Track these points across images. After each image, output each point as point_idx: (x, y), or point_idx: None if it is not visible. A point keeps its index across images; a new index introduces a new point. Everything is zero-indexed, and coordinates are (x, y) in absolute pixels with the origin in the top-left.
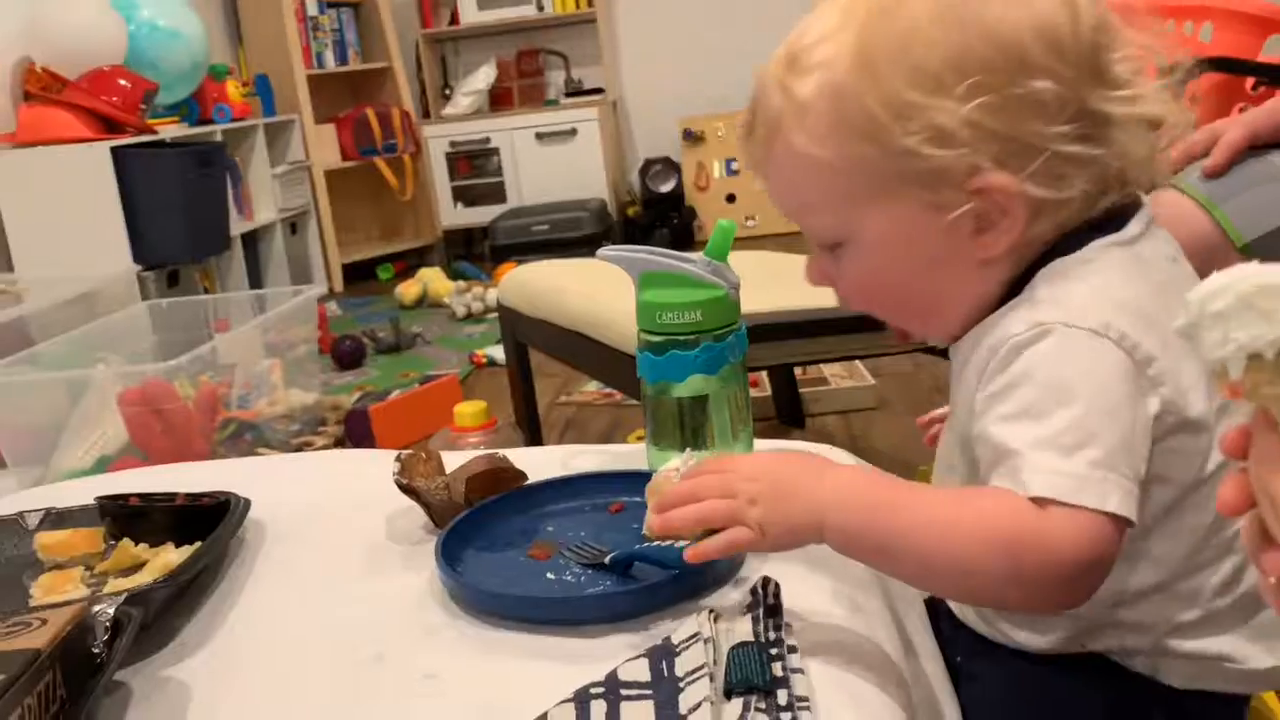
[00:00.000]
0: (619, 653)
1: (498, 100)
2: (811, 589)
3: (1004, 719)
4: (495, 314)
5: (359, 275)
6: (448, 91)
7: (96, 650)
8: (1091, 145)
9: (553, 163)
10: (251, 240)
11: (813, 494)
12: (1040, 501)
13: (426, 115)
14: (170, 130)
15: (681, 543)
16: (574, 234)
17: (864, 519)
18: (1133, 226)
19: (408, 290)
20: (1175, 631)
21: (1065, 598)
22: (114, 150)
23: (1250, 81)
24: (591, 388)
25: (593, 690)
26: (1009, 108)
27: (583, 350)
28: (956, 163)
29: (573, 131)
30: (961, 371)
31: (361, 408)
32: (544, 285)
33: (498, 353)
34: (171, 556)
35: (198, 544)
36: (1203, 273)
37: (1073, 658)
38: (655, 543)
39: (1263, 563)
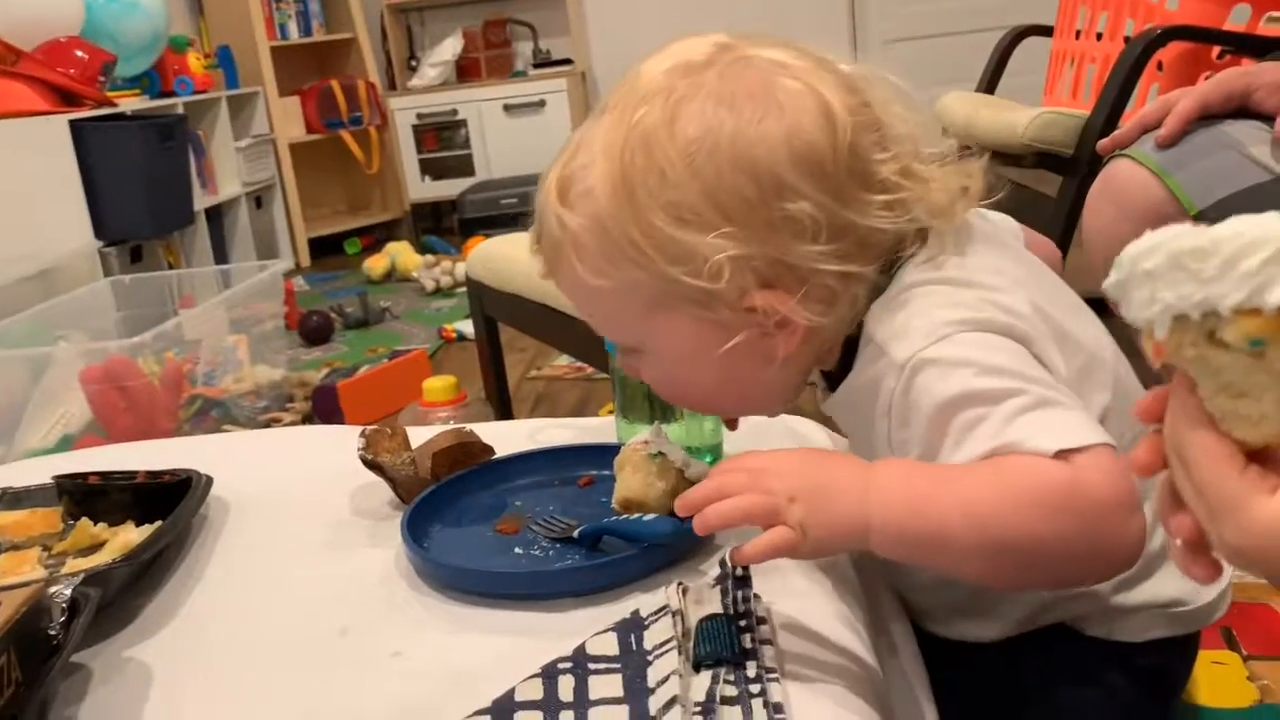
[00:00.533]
0: (587, 627)
1: (465, 72)
2: (775, 566)
3: (974, 704)
4: (464, 288)
5: (326, 250)
6: (414, 63)
7: (53, 632)
8: (857, 263)
9: (521, 135)
10: (216, 215)
11: (856, 491)
12: (1060, 455)
13: (393, 87)
14: (130, 103)
15: (650, 516)
16: None
17: (911, 510)
18: (931, 246)
19: (375, 265)
20: (1121, 587)
21: (1130, 540)
22: (72, 124)
23: (1216, 50)
24: (562, 362)
25: (560, 665)
26: (767, 234)
27: (552, 324)
28: (723, 288)
29: (541, 103)
30: (854, 423)
31: (329, 384)
32: (512, 259)
33: (467, 327)
34: (132, 535)
35: (159, 523)
36: None
37: (1026, 637)
38: (624, 516)
39: (1171, 525)
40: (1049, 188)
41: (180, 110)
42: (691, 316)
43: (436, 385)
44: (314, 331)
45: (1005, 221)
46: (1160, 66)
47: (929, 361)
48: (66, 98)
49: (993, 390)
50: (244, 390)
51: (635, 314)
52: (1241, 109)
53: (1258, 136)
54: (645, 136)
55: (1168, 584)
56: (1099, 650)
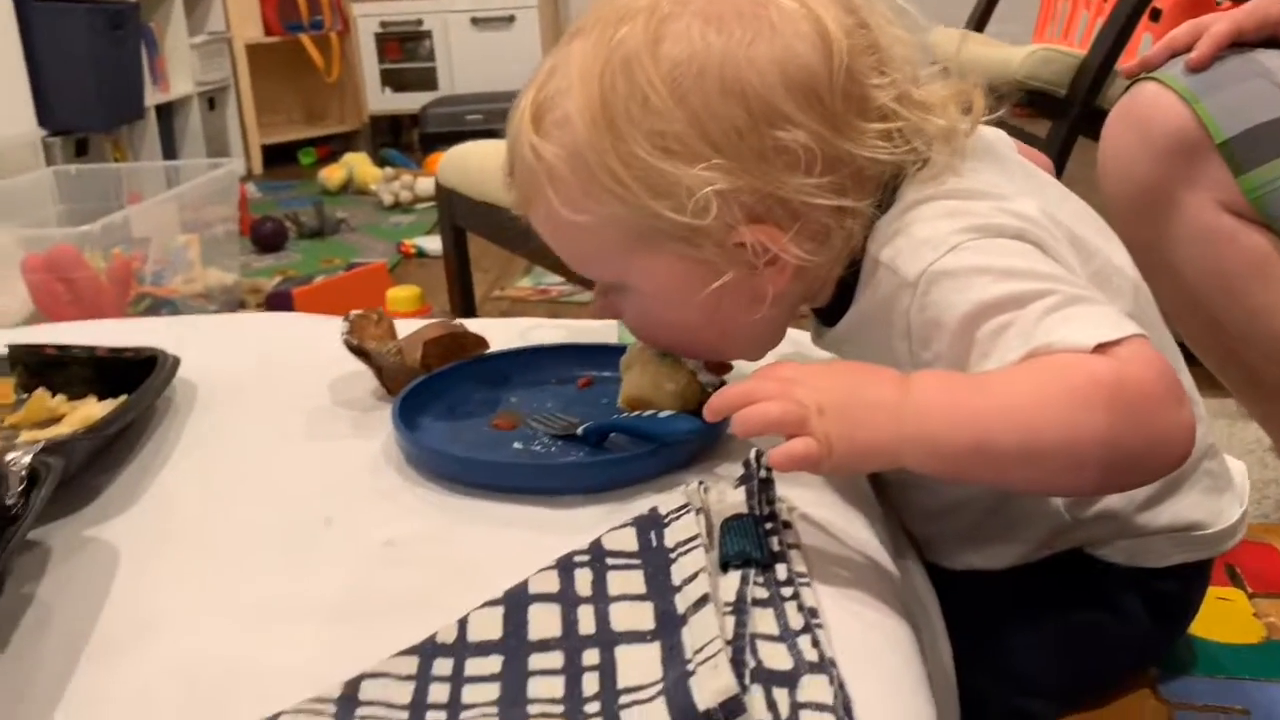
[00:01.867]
0: (597, 525)
1: None
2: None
3: (983, 632)
4: (424, 204)
5: (279, 158)
6: None
7: (10, 502)
8: (852, 197)
9: (488, 50)
10: (167, 114)
11: (890, 408)
12: (1099, 350)
13: None
14: None
15: (666, 413)
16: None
17: (951, 421)
18: (932, 164)
19: (332, 175)
20: (1145, 506)
21: (1183, 430)
22: (17, 3)
23: None
24: (526, 283)
25: (577, 558)
26: (758, 166)
27: (530, 236)
28: (710, 224)
29: (510, 19)
30: (863, 353)
31: (284, 290)
32: (489, 165)
33: (427, 243)
34: (94, 409)
35: (123, 397)
36: (1181, 167)
37: (1038, 563)
38: (633, 414)
39: None
40: (1038, 130)
41: None
42: (675, 254)
43: (401, 295)
44: (267, 238)
45: (998, 134)
46: (1155, 16)
47: (944, 274)
48: None
49: (1015, 294)
50: (194, 291)
51: (615, 251)
52: (1272, 38)
53: None
54: (626, 59)
55: (1191, 506)
56: (1117, 575)
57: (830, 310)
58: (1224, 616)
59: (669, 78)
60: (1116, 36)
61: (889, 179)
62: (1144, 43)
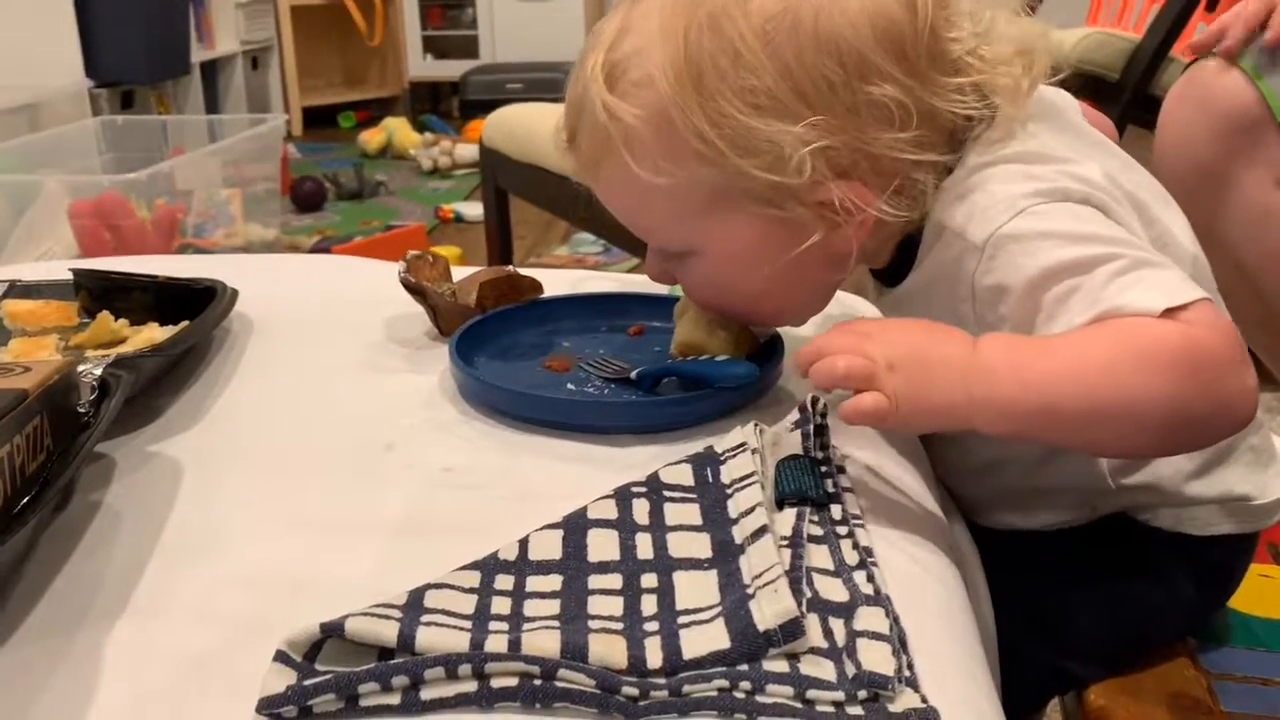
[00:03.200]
0: (652, 463)
1: None
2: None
3: (1026, 592)
4: (463, 170)
5: (319, 121)
6: None
7: (82, 410)
8: (934, 151)
9: (531, 19)
10: (211, 71)
11: (959, 368)
12: (1167, 314)
13: None
14: None
15: (722, 356)
16: (550, 95)
17: (1020, 382)
18: (997, 126)
19: (372, 138)
20: (1192, 477)
21: (1247, 394)
22: None
23: None
24: (562, 252)
25: (634, 489)
26: (849, 121)
27: (577, 198)
28: (800, 181)
29: None
30: (928, 314)
31: (324, 247)
32: (535, 126)
33: (465, 209)
34: (156, 334)
35: (185, 324)
36: (1241, 145)
37: (1084, 527)
38: (684, 359)
39: None
40: None
41: None
42: (755, 214)
43: (442, 254)
44: (306, 198)
45: (1064, 97)
46: (1211, 5)
47: (1011, 238)
48: None
49: (1082, 258)
50: (235, 245)
51: (690, 214)
52: None
53: None
54: (713, 14)
55: (1236, 479)
56: (1162, 542)
57: (889, 272)
58: (1266, 593)
59: (761, 31)
60: (1173, 23)
61: (960, 136)
62: (1198, 32)
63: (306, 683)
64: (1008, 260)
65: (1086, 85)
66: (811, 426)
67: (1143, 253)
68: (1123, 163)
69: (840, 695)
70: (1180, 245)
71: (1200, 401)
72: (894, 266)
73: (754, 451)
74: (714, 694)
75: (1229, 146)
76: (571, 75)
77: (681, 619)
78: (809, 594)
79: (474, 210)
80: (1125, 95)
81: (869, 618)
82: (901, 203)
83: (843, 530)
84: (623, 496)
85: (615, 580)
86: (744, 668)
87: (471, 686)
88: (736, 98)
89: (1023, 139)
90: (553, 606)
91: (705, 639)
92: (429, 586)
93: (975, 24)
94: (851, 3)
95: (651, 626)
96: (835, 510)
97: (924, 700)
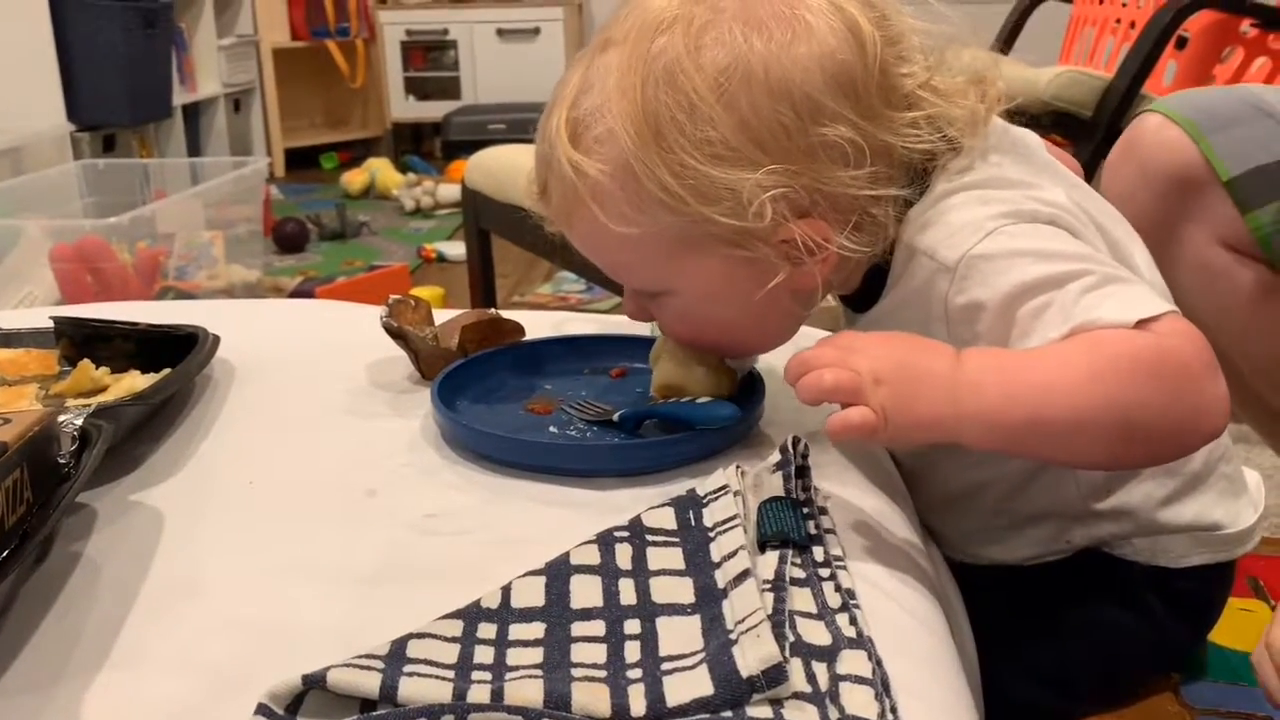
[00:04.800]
0: (635, 506)
1: None
2: (829, 469)
3: (1006, 627)
4: (445, 210)
5: (301, 162)
6: None
7: (62, 461)
8: (892, 186)
9: (513, 61)
10: (193, 114)
11: (945, 380)
12: (1140, 325)
13: (383, 1)
14: None
15: (704, 399)
16: (532, 136)
17: (1005, 394)
18: (962, 156)
19: (354, 179)
20: (1165, 504)
21: (1220, 402)
22: None
23: (1244, 23)
24: (545, 290)
25: (617, 534)
26: (806, 163)
27: (559, 239)
28: (762, 225)
29: (536, 30)
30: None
31: (307, 289)
32: (517, 167)
33: (447, 248)
34: (137, 382)
35: (166, 371)
36: (1183, 203)
37: (1060, 562)
38: (664, 401)
39: None
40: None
41: None
42: (722, 256)
43: (424, 295)
44: (289, 239)
45: (1030, 135)
46: (1180, 44)
47: (982, 258)
48: None
49: (1054, 274)
50: (217, 287)
51: (661, 259)
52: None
53: None
54: (668, 69)
55: (1208, 506)
56: (1138, 574)
57: (858, 298)
58: (1246, 627)
59: (715, 84)
60: (1143, 61)
61: (920, 167)
62: (1169, 70)
63: None
64: (980, 279)
65: (1060, 122)
66: (793, 468)
67: (1111, 269)
68: (1085, 193)
69: None
70: (1141, 273)
71: (1178, 408)
72: (863, 293)
73: (736, 494)
74: None
75: (1171, 203)
76: (538, 132)
77: (665, 665)
78: (792, 638)
79: (457, 250)
80: (1099, 132)
81: (852, 661)
82: (862, 238)
83: (825, 572)
84: (605, 541)
85: (598, 627)
86: (728, 715)
87: None
88: (695, 149)
89: (987, 168)
90: (536, 655)
91: (689, 685)
92: (411, 636)
93: (926, 57)
94: (800, 48)
95: (635, 674)
96: (817, 552)
97: None
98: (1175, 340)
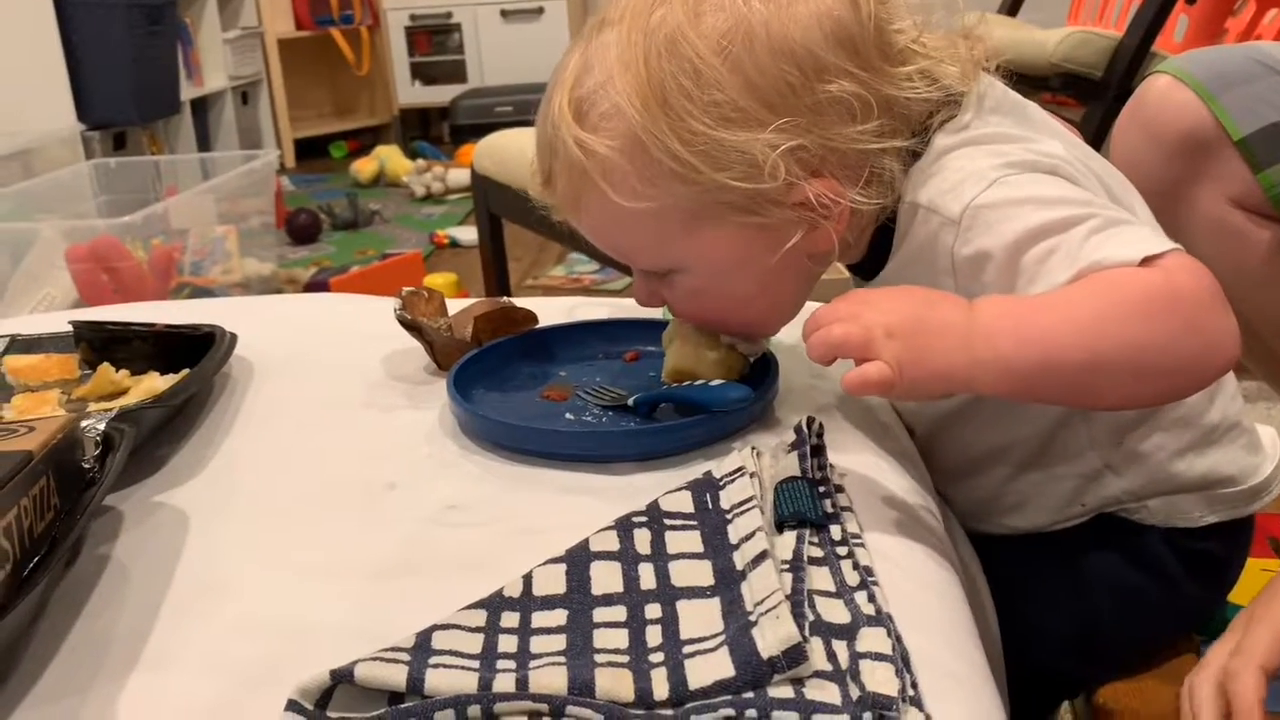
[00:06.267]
0: (652, 490)
1: None
2: (845, 445)
3: (1026, 595)
4: (456, 195)
5: (310, 152)
6: None
7: (87, 465)
8: (898, 138)
9: (518, 43)
10: (201, 108)
11: (959, 329)
12: (1147, 262)
13: None
14: None
15: (717, 381)
16: None
17: (1020, 339)
18: (961, 114)
19: (364, 167)
20: (1178, 456)
21: (1231, 333)
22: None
23: None
24: (559, 272)
25: (635, 519)
26: (813, 120)
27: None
28: (776, 186)
29: (540, 11)
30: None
31: (322, 279)
32: (525, 151)
33: (460, 233)
34: (157, 383)
35: (185, 371)
36: (1193, 164)
37: (1077, 527)
38: (678, 385)
39: None
40: (1073, 115)
41: None
42: (737, 225)
43: (438, 282)
44: (301, 230)
45: (1029, 103)
46: None
47: (985, 207)
48: None
49: (1057, 220)
50: (233, 282)
51: (674, 234)
52: None
53: None
54: (670, 38)
55: (1221, 460)
56: (1156, 537)
57: (865, 266)
58: None
59: (718, 47)
60: (1154, 17)
61: (921, 123)
62: (1179, 24)
63: None
64: (985, 229)
65: (1070, 84)
66: (808, 447)
67: (1114, 212)
68: (1084, 150)
69: (846, 718)
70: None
71: (1190, 341)
72: (870, 259)
73: (752, 475)
74: None
75: (1182, 165)
76: (539, 118)
77: (686, 649)
78: (811, 617)
79: (469, 234)
80: (1110, 92)
81: (871, 638)
82: (873, 191)
83: (842, 551)
84: (624, 527)
85: (620, 612)
86: (749, 695)
87: None
88: (704, 114)
89: (985, 125)
90: (559, 642)
91: (710, 668)
92: (436, 627)
93: (914, 16)
94: (797, 8)
95: (657, 657)
96: (835, 531)
97: (929, 718)
98: (1183, 275)
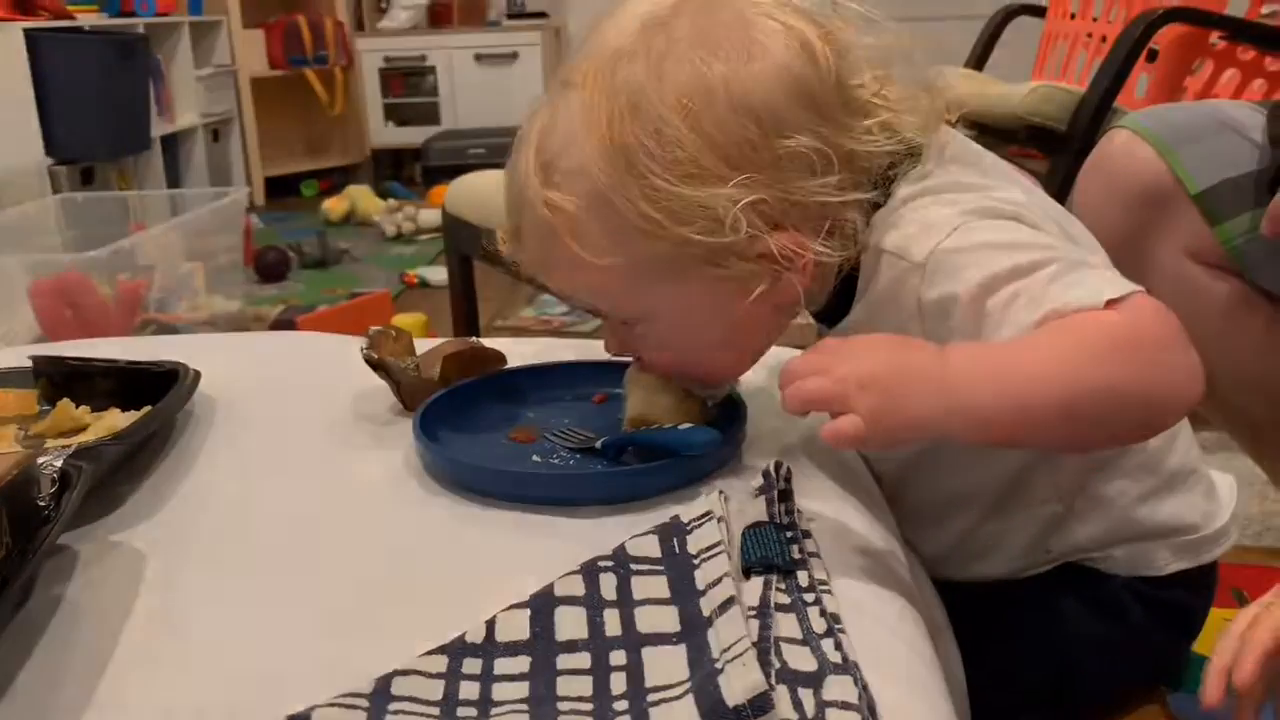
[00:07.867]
0: (619, 535)
1: (437, 17)
2: (811, 490)
3: (991, 643)
4: (427, 235)
5: (281, 190)
6: (384, 4)
7: (42, 503)
8: (859, 191)
9: (491, 86)
10: (172, 144)
11: (934, 378)
12: (1110, 304)
13: (361, 28)
14: (88, 18)
15: (685, 425)
16: None
17: (997, 388)
18: (922, 165)
19: (335, 206)
20: (1140, 502)
21: (1195, 373)
22: (27, 32)
23: (1213, 35)
24: (528, 313)
25: (601, 564)
26: (774, 175)
27: None
28: (738, 239)
29: (514, 55)
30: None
31: (289, 317)
32: (497, 192)
33: (430, 273)
34: (118, 420)
35: (146, 409)
36: (1152, 217)
37: (1043, 576)
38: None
39: None
40: (1038, 168)
41: (140, 30)
42: (703, 277)
43: (407, 322)
44: (270, 268)
45: (987, 152)
46: (1151, 56)
47: (950, 251)
48: (21, 4)
49: (1020, 265)
50: (199, 319)
51: (642, 287)
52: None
53: (1255, 121)
54: (631, 99)
55: (1181, 506)
56: (1120, 586)
57: (829, 313)
58: None
59: (679, 106)
60: (1115, 75)
61: (883, 175)
62: (1140, 81)
63: None
64: (950, 273)
65: (1035, 136)
66: (775, 492)
67: (1076, 256)
68: (1041, 196)
69: None
70: None
71: (1160, 380)
72: (835, 306)
73: (719, 520)
74: None
75: (1141, 219)
76: (506, 177)
77: (650, 696)
78: (777, 665)
79: (439, 275)
80: (1074, 145)
81: (838, 687)
82: (836, 243)
83: (809, 597)
84: (590, 572)
85: (584, 659)
86: None
87: None
88: (666, 172)
89: (946, 174)
90: (521, 689)
91: (675, 717)
92: (396, 673)
93: (874, 70)
94: (757, 65)
95: (621, 705)
96: (802, 577)
97: None
98: (1147, 317)
